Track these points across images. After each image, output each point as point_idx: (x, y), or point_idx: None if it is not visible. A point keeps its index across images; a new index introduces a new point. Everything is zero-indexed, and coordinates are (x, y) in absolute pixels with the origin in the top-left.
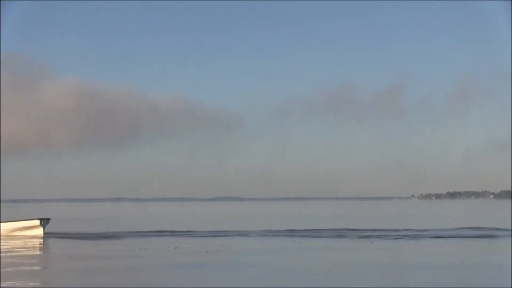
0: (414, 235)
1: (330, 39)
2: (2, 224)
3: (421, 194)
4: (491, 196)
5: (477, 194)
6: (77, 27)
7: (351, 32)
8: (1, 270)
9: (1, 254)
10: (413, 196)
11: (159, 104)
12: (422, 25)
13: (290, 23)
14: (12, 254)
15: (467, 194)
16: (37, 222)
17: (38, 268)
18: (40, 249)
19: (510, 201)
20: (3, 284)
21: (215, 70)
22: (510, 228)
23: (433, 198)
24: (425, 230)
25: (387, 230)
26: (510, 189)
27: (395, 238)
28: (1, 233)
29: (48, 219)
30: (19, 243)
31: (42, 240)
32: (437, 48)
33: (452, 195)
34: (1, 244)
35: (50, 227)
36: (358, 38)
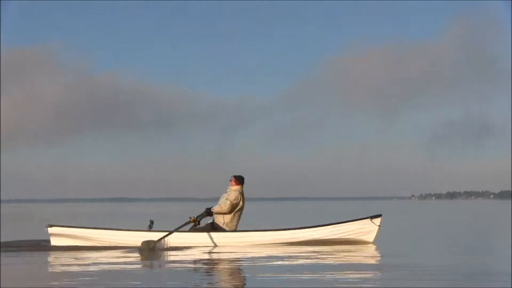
0: None
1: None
2: None
3: (421, 194)
4: (491, 196)
5: (477, 194)
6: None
7: None
8: None
9: None
10: (413, 196)
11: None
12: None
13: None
14: None
15: (467, 194)
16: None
17: None
18: None
19: (510, 201)
20: (3, 285)
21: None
22: (511, 228)
23: (433, 198)
24: None
25: None
26: (510, 189)
27: None
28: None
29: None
30: None
31: None
32: None
33: (452, 195)
34: None
35: None
36: None
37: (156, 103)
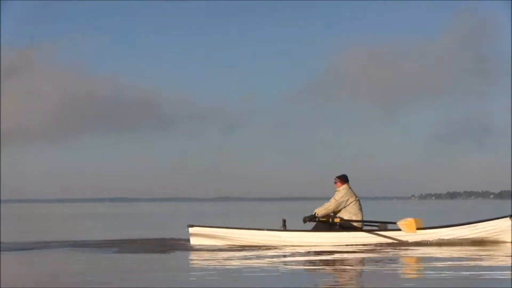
0: None
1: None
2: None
3: (421, 194)
4: (491, 196)
5: (477, 194)
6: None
7: None
8: None
9: None
10: (413, 196)
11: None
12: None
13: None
14: None
15: (467, 194)
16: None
17: None
18: None
19: (510, 201)
20: (3, 285)
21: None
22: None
23: (433, 198)
24: None
25: None
26: (510, 189)
27: None
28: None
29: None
30: None
31: None
32: None
33: (452, 195)
34: None
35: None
36: None
37: (156, 103)
